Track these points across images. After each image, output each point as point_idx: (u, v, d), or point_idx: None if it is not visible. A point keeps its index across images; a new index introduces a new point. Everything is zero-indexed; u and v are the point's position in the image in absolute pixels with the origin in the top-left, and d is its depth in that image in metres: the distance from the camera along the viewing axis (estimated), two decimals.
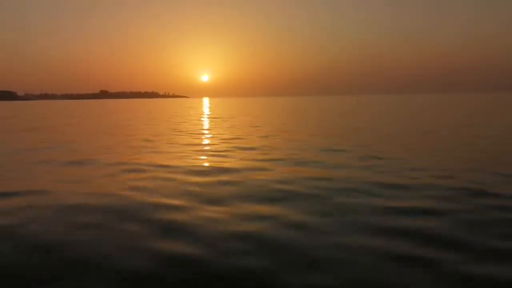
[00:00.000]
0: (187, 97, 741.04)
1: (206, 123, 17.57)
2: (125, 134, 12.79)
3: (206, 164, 6.63)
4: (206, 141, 10.07)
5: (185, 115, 26.34)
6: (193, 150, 8.42)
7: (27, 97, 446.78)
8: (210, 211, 3.91)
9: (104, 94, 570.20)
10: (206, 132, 13.02)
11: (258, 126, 14.73)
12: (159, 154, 8.02)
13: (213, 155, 7.64)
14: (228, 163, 6.69)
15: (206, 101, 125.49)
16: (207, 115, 25.73)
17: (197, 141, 10.22)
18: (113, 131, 13.96)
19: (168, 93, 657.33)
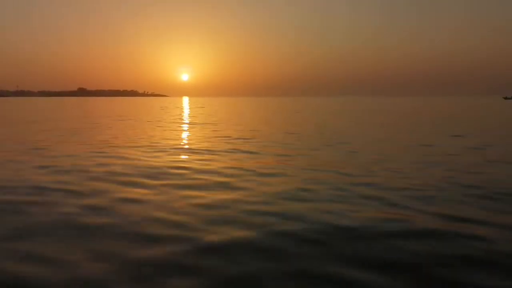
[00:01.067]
0: (167, 96, 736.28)
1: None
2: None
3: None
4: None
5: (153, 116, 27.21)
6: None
7: (2, 94, 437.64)
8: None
9: (82, 92, 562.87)
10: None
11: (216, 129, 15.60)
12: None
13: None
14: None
15: (185, 100, 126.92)
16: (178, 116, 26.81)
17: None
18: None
19: (147, 92, 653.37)
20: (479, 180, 5.89)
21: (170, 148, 9.55)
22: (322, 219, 4.02)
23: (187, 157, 8.20)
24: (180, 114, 26.83)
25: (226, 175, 6.24)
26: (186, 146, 9.99)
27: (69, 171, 6.63)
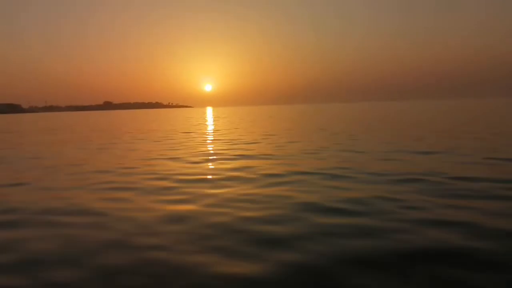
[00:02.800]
0: (191, 106, 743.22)
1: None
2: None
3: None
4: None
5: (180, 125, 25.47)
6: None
7: (31, 110, 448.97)
8: None
9: (108, 105, 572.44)
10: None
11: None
12: None
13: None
14: None
15: (209, 110, 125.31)
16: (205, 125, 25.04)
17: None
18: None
19: (172, 103, 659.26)
20: None
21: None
22: None
23: None
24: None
25: None
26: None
27: None
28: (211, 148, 10.51)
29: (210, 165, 7.48)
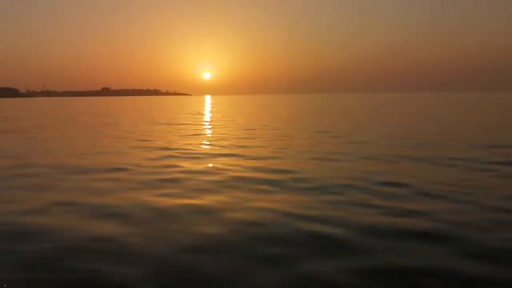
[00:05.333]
0: (190, 94, 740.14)
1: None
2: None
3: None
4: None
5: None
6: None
7: (29, 94, 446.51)
8: None
9: (106, 91, 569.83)
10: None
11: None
12: None
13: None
14: None
15: (208, 99, 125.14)
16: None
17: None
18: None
19: (170, 91, 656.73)
20: None
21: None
22: None
23: None
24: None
25: None
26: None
27: None
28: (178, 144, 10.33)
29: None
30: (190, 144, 9.93)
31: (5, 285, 2.68)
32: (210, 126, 15.52)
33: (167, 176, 6.04)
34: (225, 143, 10.00)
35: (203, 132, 12.96)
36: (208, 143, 10.09)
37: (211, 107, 38.67)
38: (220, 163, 7.17)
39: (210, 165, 6.98)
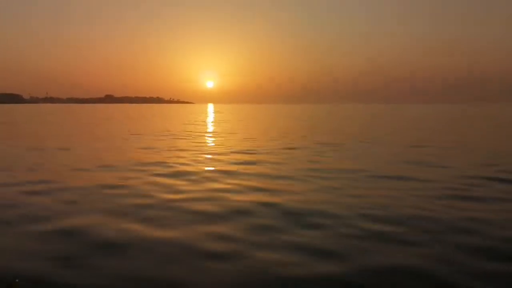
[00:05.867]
0: (192, 102, 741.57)
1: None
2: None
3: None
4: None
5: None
6: None
7: (32, 100, 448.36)
8: None
9: (109, 99, 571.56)
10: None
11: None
12: None
13: None
14: None
15: (210, 107, 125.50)
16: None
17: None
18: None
19: (173, 99, 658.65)
20: None
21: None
22: None
23: None
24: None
25: None
26: None
27: None
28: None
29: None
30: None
31: (17, 280, 2.73)
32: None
33: None
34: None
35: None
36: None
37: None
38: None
39: None
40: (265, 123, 26.72)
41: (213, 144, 13.66)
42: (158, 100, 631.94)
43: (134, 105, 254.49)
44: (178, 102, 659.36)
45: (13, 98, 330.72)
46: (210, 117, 33.00)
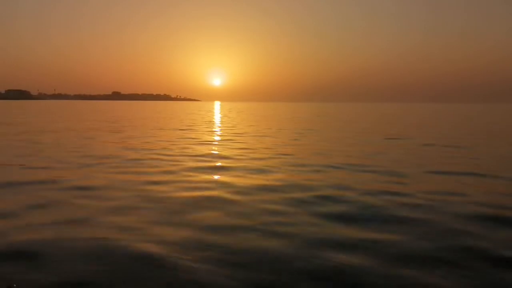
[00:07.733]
0: (199, 100, 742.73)
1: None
2: None
3: None
4: None
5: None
6: None
7: (40, 97, 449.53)
8: None
9: (116, 96, 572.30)
10: None
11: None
12: None
13: None
14: None
15: (217, 105, 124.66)
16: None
17: None
18: None
19: (180, 96, 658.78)
20: None
21: None
22: None
23: None
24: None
25: None
26: None
27: None
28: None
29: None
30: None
31: (15, 285, 2.71)
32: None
33: None
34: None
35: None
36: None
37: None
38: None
39: None
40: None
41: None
42: (165, 97, 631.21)
43: (144, 102, 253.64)
44: (185, 99, 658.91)
45: (21, 94, 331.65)
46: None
